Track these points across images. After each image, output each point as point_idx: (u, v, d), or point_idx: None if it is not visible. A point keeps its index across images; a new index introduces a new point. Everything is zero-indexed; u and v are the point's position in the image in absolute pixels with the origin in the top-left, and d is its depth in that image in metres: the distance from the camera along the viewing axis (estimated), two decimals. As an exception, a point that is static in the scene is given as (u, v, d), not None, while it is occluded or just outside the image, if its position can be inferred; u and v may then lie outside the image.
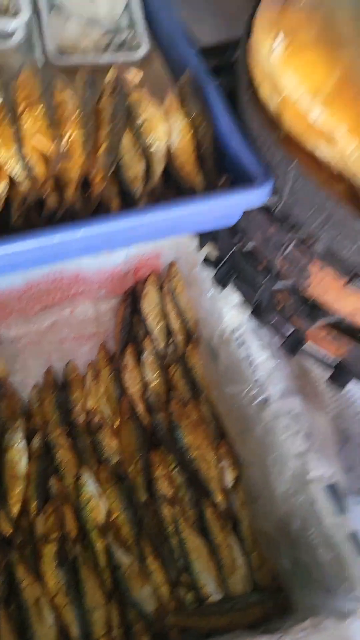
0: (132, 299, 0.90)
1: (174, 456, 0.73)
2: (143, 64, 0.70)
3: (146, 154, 0.57)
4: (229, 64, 0.67)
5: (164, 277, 0.89)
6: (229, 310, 0.70)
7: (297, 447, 0.59)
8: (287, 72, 0.50)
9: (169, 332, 0.85)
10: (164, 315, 0.86)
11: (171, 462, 0.73)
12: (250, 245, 0.61)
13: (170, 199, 0.56)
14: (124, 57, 0.70)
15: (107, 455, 0.75)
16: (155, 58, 0.71)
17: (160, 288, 0.88)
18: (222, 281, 0.65)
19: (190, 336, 0.84)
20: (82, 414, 0.79)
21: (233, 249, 0.63)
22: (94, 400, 0.80)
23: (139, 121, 0.58)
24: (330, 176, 0.51)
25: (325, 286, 0.54)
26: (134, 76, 0.61)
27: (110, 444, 0.76)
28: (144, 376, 0.82)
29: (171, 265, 0.88)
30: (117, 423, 0.78)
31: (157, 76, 0.70)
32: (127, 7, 0.73)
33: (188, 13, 0.77)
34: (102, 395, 0.80)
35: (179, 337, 0.84)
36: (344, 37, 0.49)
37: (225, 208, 0.54)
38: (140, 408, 0.78)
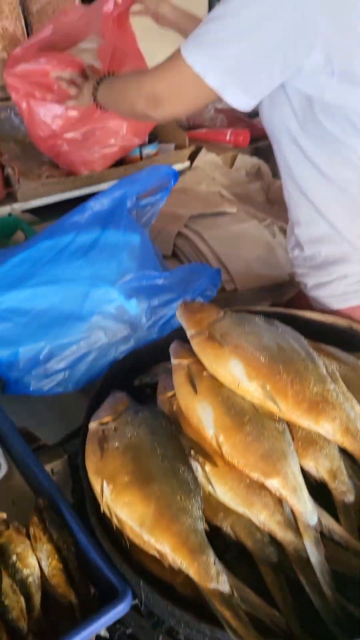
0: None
1: None
2: (6, 480, 0.86)
3: (24, 589, 0.68)
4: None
5: None
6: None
7: None
8: (117, 510, 0.67)
9: None
10: None
11: None
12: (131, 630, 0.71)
13: (53, 625, 0.66)
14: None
15: None
16: (15, 472, 0.87)
17: None
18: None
19: None
20: None
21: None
22: None
23: (13, 559, 0.70)
24: (172, 571, 0.66)
25: None
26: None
27: None
28: None
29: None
30: None
31: (19, 489, 0.85)
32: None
33: (33, 420, 0.97)
34: None
35: None
36: (151, 473, 0.69)
37: (98, 625, 0.65)
38: None
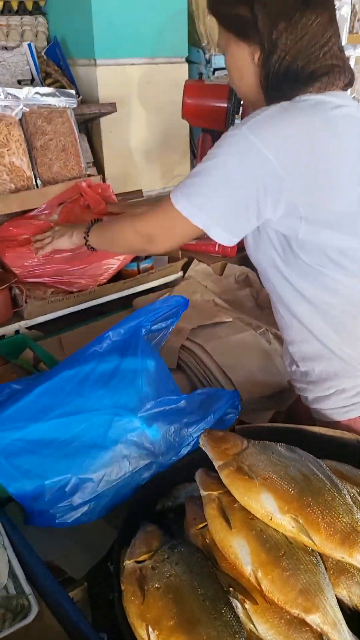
0: None
1: None
2: (36, 621, 0.85)
3: None
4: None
5: None
6: None
7: None
8: (165, 656, 0.68)
9: None
10: None
11: None
12: None
13: None
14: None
15: None
16: (45, 612, 0.86)
17: None
18: None
19: None
20: None
21: None
22: None
23: None
24: None
25: None
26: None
27: None
28: None
29: None
30: None
31: (52, 631, 0.84)
32: (11, 569, 0.90)
33: (57, 552, 0.98)
34: None
35: None
36: (195, 615, 0.70)
37: None
38: None
